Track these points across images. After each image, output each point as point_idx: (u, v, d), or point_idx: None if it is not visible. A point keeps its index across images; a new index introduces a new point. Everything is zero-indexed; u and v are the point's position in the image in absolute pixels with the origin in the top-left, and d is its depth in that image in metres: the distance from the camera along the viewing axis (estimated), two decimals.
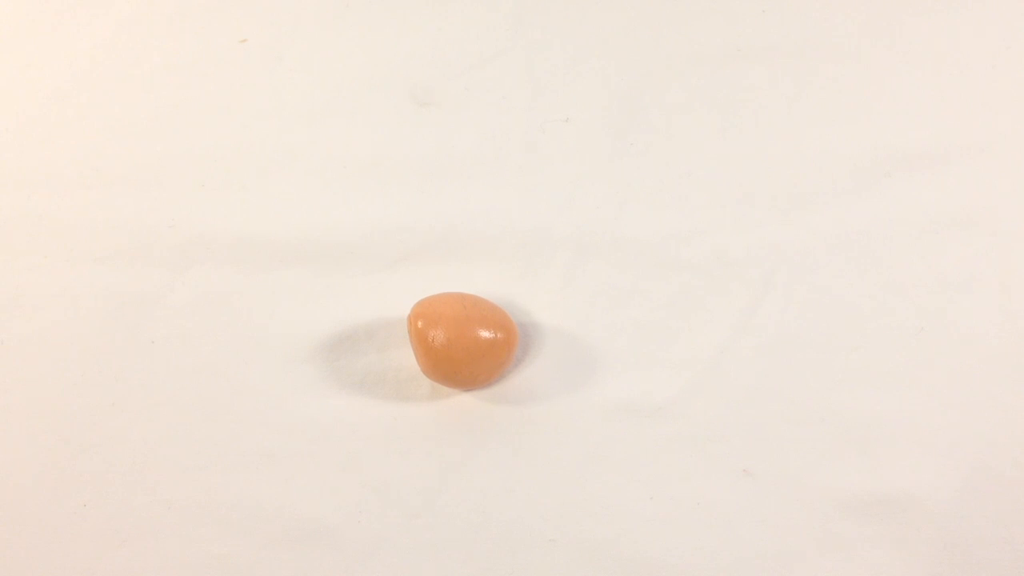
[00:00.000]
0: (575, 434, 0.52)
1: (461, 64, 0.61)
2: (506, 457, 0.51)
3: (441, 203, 0.57)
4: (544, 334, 0.54)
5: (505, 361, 0.51)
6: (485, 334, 0.50)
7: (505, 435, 0.52)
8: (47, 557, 0.50)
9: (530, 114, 0.59)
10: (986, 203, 0.56)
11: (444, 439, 0.52)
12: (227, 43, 0.61)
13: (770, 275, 0.55)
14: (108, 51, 0.61)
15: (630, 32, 0.61)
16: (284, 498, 0.51)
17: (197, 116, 0.59)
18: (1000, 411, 0.52)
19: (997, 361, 0.53)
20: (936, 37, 0.60)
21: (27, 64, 0.61)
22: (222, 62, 0.61)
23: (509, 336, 0.51)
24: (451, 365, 0.50)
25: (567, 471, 0.51)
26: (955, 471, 0.50)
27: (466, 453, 0.51)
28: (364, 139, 0.59)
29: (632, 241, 0.56)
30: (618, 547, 0.50)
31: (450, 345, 0.49)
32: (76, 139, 0.59)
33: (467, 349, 0.49)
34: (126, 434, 0.52)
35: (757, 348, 0.53)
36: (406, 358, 0.53)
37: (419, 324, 0.50)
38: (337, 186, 0.57)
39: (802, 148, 0.58)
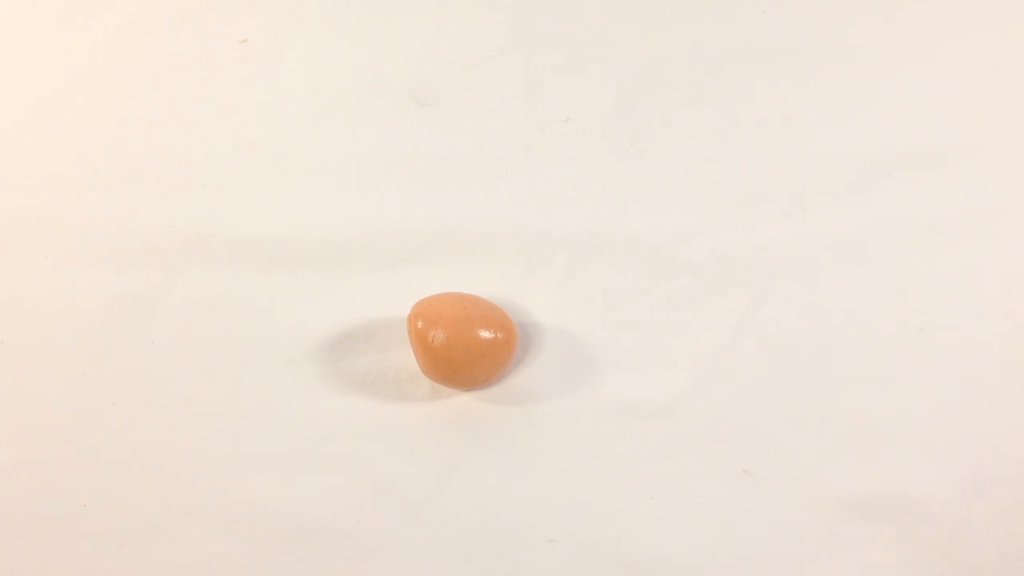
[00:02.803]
0: (575, 434, 0.52)
1: (461, 64, 0.61)
2: (506, 457, 0.51)
3: (441, 203, 0.57)
4: (544, 334, 0.54)
5: (505, 361, 0.51)
6: (485, 334, 0.50)
7: (505, 435, 0.52)
8: (47, 557, 0.50)
9: (530, 114, 0.59)
10: (986, 203, 0.56)
11: (444, 439, 0.52)
12: (227, 43, 0.62)
13: (770, 275, 0.55)
14: (108, 51, 0.61)
15: (630, 32, 0.61)
16: (284, 498, 0.51)
17: (197, 116, 0.60)
18: (1000, 411, 0.52)
19: (997, 361, 0.53)
20: (936, 37, 0.60)
21: (27, 64, 0.61)
22: (222, 62, 0.61)
23: (509, 336, 0.51)
24: (451, 365, 0.50)
25: (567, 471, 0.51)
26: (955, 471, 0.50)
27: (466, 453, 0.51)
28: (364, 139, 0.59)
29: (632, 241, 0.56)
30: (618, 547, 0.50)
31: (450, 345, 0.49)
32: (76, 139, 0.59)
33: (467, 349, 0.49)
34: (126, 434, 0.52)
35: (757, 348, 0.53)
36: (406, 358, 0.53)
37: (419, 324, 0.50)
38: (337, 186, 0.57)
39: (802, 148, 0.58)
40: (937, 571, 0.49)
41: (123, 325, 0.54)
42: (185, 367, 0.53)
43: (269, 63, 0.61)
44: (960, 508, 0.50)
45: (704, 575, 0.49)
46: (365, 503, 0.51)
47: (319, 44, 0.62)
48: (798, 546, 0.49)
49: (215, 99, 0.60)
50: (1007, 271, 0.54)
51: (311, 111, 0.60)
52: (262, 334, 0.54)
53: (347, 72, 0.61)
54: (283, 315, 0.54)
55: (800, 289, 0.54)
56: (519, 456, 0.51)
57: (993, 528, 0.49)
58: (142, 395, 0.53)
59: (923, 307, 0.54)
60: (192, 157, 0.58)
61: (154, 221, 0.57)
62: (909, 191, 0.56)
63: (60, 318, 0.54)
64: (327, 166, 0.58)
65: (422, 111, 0.60)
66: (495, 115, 0.59)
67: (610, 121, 0.59)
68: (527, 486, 0.51)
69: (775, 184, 0.57)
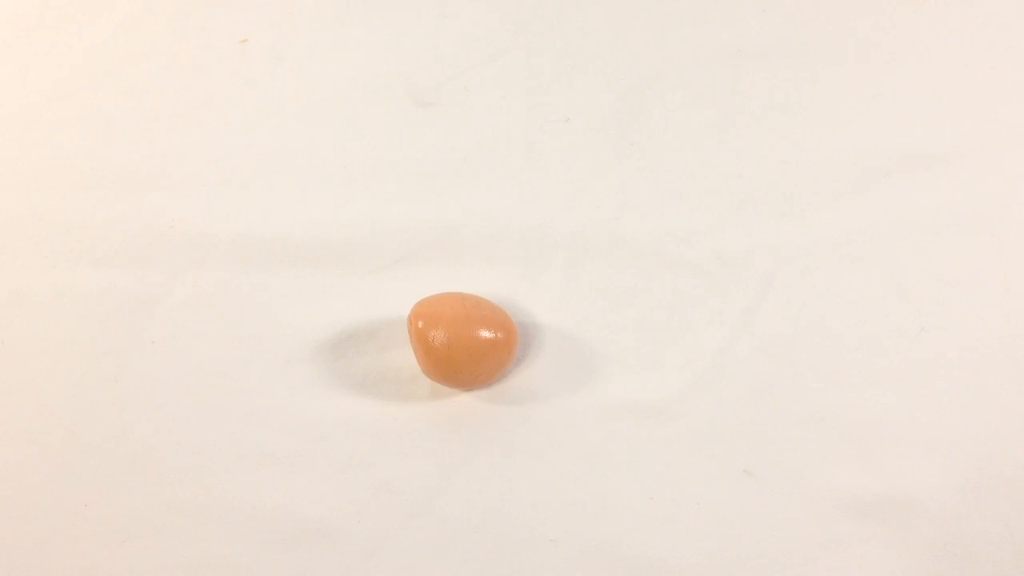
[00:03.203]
0: (575, 434, 0.52)
1: (461, 64, 0.61)
2: (506, 457, 0.51)
3: (441, 203, 0.57)
4: (544, 334, 0.54)
5: (505, 361, 0.51)
6: (485, 334, 0.50)
7: (505, 435, 0.52)
8: (47, 557, 0.50)
9: (530, 114, 0.59)
10: (986, 203, 0.56)
11: (444, 439, 0.52)
12: (227, 43, 0.62)
13: (770, 275, 0.55)
14: (108, 51, 0.61)
15: (630, 32, 0.61)
16: (284, 498, 0.51)
17: (197, 116, 0.60)
18: (1000, 411, 0.52)
19: (997, 361, 0.53)
20: (937, 37, 0.60)
21: (27, 64, 0.61)
22: (222, 62, 0.61)
23: (509, 336, 0.51)
24: (451, 365, 0.50)
25: (567, 471, 0.51)
26: (955, 471, 0.50)
27: (466, 453, 0.51)
28: (364, 139, 0.59)
29: (632, 241, 0.56)
30: (618, 547, 0.50)
31: (450, 345, 0.49)
32: (76, 139, 0.59)
33: (467, 349, 0.49)
34: (126, 434, 0.52)
35: (757, 348, 0.53)
36: (406, 358, 0.53)
37: (419, 324, 0.50)
38: (337, 186, 0.57)
39: (802, 148, 0.58)
40: (937, 571, 0.49)
41: (123, 325, 0.54)
42: (185, 367, 0.53)
43: (269, 63, 0.61)
44: (960, 508, 0.50)
45: (704, 575, 0.49)
46: (365, 503, 0.51)
47: (319, 44, 0.62)
48: (798, 546, 0.49)
49: (215, 99, 0.60)
50: (1007, 271, 0.54)
51: (311, 111, 0.60)
52: (262, 334, 0.54)
53: (347, 72, 0.61)
54: (283, 315, 0.54)
55: (800, 289, 0.54)
56: (519, 456, 0.51)
57: (993, 528, 0.49)
58: (142, 395, 0.53)
59: (923, 307, 0.54)
60: (192, 157, 0.58)
61: (154, 221, 0.57)
62: (909, 191, 0.56)
63: (60, 318, 0.54)
64: (327, 166, 0.58)
65: (422, 111, 0.60)
66: (495, 115, 0.59)
67: (610, 121, 0.59)
68: (527, 486, 0.51)
69: (775, 184, 0.57)
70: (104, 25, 0.62)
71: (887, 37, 0.61)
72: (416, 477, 0.51)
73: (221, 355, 0.54)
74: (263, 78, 0.61)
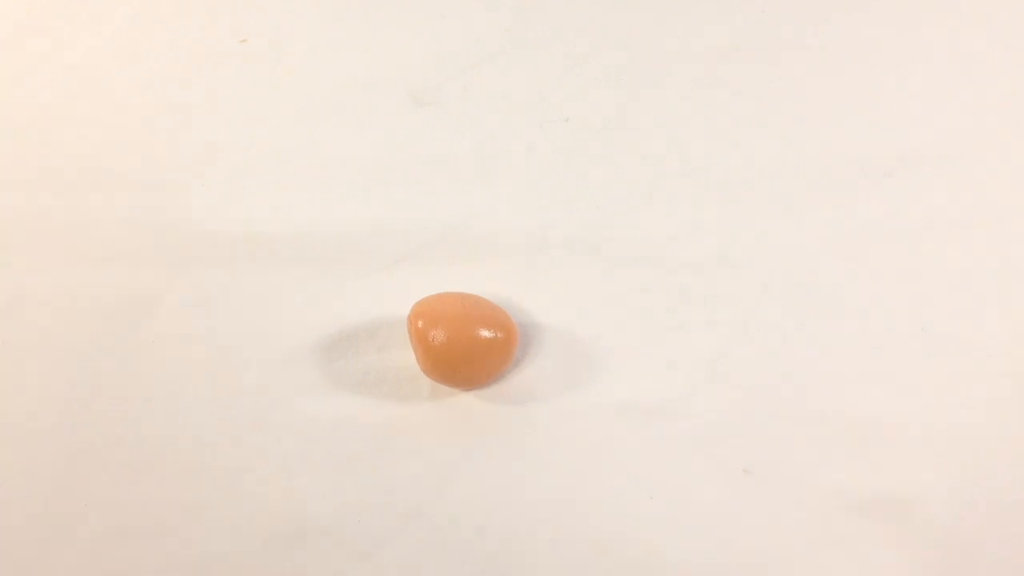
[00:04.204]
0: (575, 434, 0.52)
1: (461, 64, 0.61)
2: (506, 457, 0.51)
3: (441, 203, 0.57)
4: (544, 334, 0.54)
5: (505, 361, 0.51)
6: (485, 334, 0.50)
7: (505, 435, 0.52)
8: (47, 557, 0.50)
9: (530, 114, 0.59)
10: (986, 203, 0.56)
11: (444, 439, 0.52)
12: (227, 43, 0.62)
13: (770, 275, 0.55)
14: (108, 51, 0.61)
15: (629, 32, 0.61)
16: (284, 498, 0.51)
17: (197, 116, 0.60)
18: (1000, 411, 0.52)
19: (997, 361, 0.53)
20: (937, 37, 0.60)
21: (28, 64, 0.61)
22: (222, 62, 0.61)
23: (509, 336, 0.51)
24: (451, 365, 0.50)
25: (567, 471, 0.51)
26: (955, 471, 0.50)
27: (466, 453, 0.51)
28: (364, 139, 0.59)
29: (632, 241, 0.56)
30: (618, 547, 0.50)
31: (450, 345, 0.49)
32: (76, 139, 0.59)
33: (467, 349, 0.49)
34: (126, 434, 0.52)
35: (757, 348, 0.53)
36: (406, 358, 0.53)
37: (419, 324, 0.50)
38: (337, 186, 0.58)
39: (801, 147, 0.58)
40: (937, 571, 0.49)
41: (123, 325, 0.54)
42: (185, 367, 0.53)
43: (269, 63, 0.61)
44: (960, 508, 0.50)
45: (704, 575, 0.49)
46: (365, 503, 0.51)
47: (319, 44, 0.62)
48: (798, 546, 0.49)
49: (215, 99, 0.60)
50: (1007, 271, 0.54)
51: (311, 111, 0.60)
52: (262, 334, 0.54)
53: (347, 72, 0.61)
54: (283, 315, 0.54)
55: (800, 289, 0.54)
56: (519, 456, 0.51)
57: (993, 528, 0.49)
58: (142, 395, 0.53)
59: (924, 307, 0.54)
60: (192, 157, 0.58)
61: (154, 221, 0.57)
62: (909, 191, 0.56)
63: (60, 318, 0.54)
64: (327, 165, 0.58)
65: (422, 111, 0.60)
66: (495, 115, 0.59)
67: (610, 121, 0.59)
68: (527, 486, 0.51)
69: (775, 184, 0.57)
70: (104, 25, 0.62)
71: (887, 37, 0.61)
72: (416, 477, 0.51)
73: (221, 355, 0.54)
74: (263, 78, 0.61)
